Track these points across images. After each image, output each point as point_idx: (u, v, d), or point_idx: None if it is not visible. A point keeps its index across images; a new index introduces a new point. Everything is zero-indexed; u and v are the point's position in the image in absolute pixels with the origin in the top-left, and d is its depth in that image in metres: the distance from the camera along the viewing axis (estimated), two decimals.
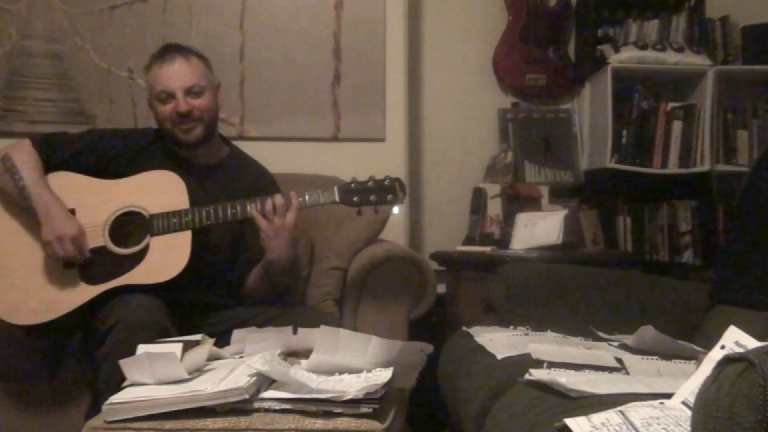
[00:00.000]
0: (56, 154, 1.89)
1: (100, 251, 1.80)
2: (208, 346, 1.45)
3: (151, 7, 2.61)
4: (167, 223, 1.79)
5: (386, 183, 1.81)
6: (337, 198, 1.81)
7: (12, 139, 1.95)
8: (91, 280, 1.78)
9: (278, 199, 1.78)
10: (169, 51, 1.92)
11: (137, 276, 1.76)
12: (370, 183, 1.82)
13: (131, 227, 1.83)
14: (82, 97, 2.60)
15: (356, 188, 1.81)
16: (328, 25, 2.65)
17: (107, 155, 1.92)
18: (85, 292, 1.76)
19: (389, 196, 1.81)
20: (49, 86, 2.59)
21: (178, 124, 1.89)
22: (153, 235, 1.79)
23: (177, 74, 1.88)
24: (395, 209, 1.86)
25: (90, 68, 2.60)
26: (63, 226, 1.76)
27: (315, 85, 2.64)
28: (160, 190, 1.84)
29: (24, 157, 1.84)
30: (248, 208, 1.79)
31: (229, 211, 1.79)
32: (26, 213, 1.82)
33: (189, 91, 1.88)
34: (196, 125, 1.90)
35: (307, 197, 1.80)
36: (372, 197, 1.81)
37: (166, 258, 1.77)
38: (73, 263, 1.79)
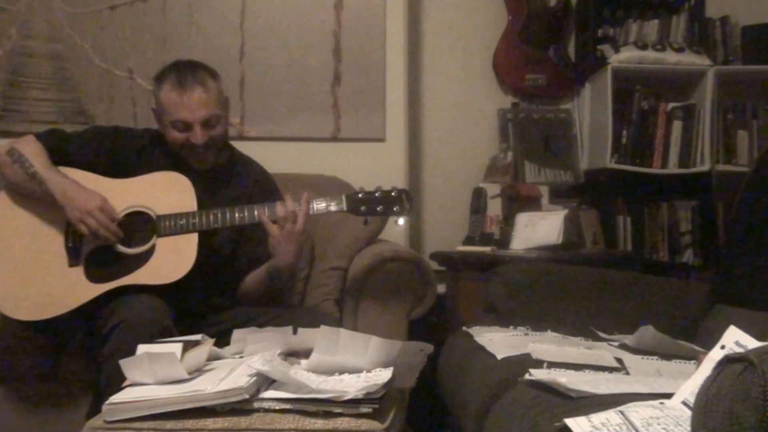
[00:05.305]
0: (60, 146, 1.89)
1: (106, 250, 1.79)
2: (208, 346, 1.44)
3: (151, 6, 2.62)
4: (174, 224, 1.79)
5: (393, 194, 1.83)
6: (345, 207, 1.82)
7: (12, 139, 1.95)
8: (96, 279, 1.77)
9: (289, 204, 1.78)
10: (187, 78, 1.84)
11: (142, 276, 1.75)
12: (378, 193, 1.83)
13: (137, 227, 1.82)
14: (82, 97, 2.60)
15: (364, 198, 1.82)
16: (328, 25, 2.65)
17: (109, 152, 1.91)
18: (89, 291, 1.76)
19: (396, 207, 1.82)
20: (49, 86, 2.60)
21: (191, 152, 1.88)
22: (159, 236, 1.79)
23: (196, 106, 1.83)
24: (401, 220, 1.87)
25: (90, 68, 2.60)
26: (85, 201, 1.75)
27: (315, 85, 2.65)
28: (167, 192, 1.83)
29: (30, 148, 1.84)
30: (257, 213, 1.78)
31: (237, 215, 1.79)
32: (41, 200, 1.80)
33: (206, 123, 1.85)
34: (209, 152, 1.90)
35: (315, 204, 1.81)
36: (379, 208, 1.82)
37: (172, 259, 1.77)
38: (109, 238, 1.77)
